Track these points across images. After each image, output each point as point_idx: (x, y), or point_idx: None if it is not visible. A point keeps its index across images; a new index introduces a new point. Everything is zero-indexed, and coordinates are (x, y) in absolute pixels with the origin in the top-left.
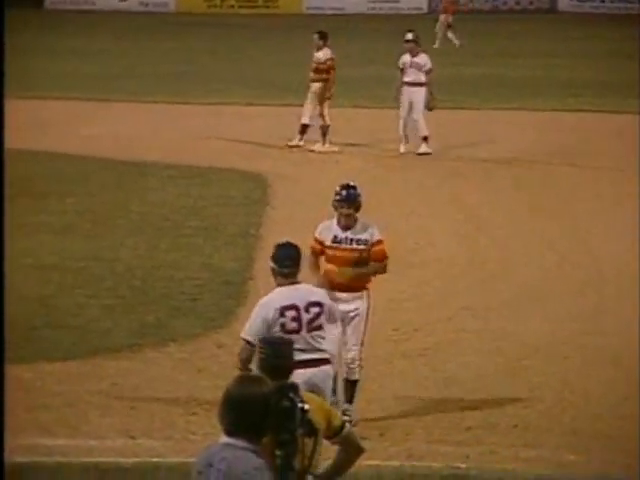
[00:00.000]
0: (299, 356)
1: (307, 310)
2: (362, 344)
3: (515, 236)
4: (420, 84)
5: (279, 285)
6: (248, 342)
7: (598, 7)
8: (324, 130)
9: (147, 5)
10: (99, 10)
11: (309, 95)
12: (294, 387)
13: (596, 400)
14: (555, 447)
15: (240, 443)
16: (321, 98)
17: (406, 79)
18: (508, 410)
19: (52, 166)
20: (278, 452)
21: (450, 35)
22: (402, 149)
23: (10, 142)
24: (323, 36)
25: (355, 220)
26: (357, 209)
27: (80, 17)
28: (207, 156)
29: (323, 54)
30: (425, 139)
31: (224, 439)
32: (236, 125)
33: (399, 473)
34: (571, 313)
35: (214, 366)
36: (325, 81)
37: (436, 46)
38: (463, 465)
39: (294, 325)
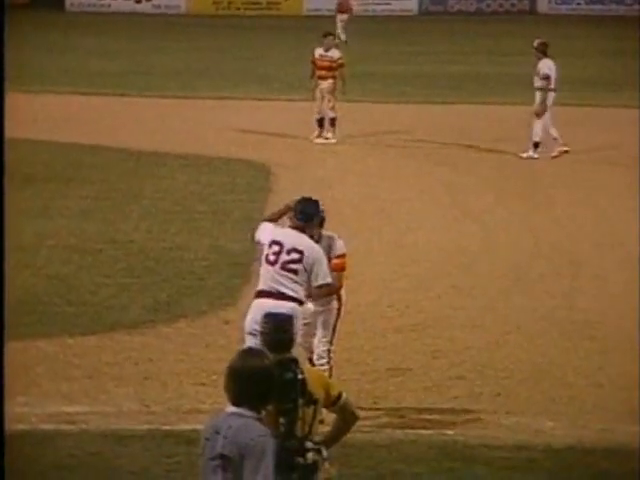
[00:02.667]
0: (263, 286)
1: (288, 252)
2: (331, 343)
3: (499, 220)
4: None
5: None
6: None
7: (575, 9)
8: (332, 122)
9: (160, 7)
10: (115, 12)
11: (320, 92)
12: (295, 360)
13: (572, 371)
14: (534, 414)
15: (245, 412)
16: (332, 93)
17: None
18: (491, 380)
19: (74, 155)
20: (281, 420)
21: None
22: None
23: (36, 134)
24: (335, 37)
25: (320, 236)
26: (320, 225)
27: (98, 18)
28: (215, 147)
29: (335, 54)
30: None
31: (230, 408)
32: (242, 118)
33: (391, 440)
34: (549, 291)
35: (221, 340)
36: (335, 78)
37: (344, 39)
38: (450, 432)
39: (272, 258)
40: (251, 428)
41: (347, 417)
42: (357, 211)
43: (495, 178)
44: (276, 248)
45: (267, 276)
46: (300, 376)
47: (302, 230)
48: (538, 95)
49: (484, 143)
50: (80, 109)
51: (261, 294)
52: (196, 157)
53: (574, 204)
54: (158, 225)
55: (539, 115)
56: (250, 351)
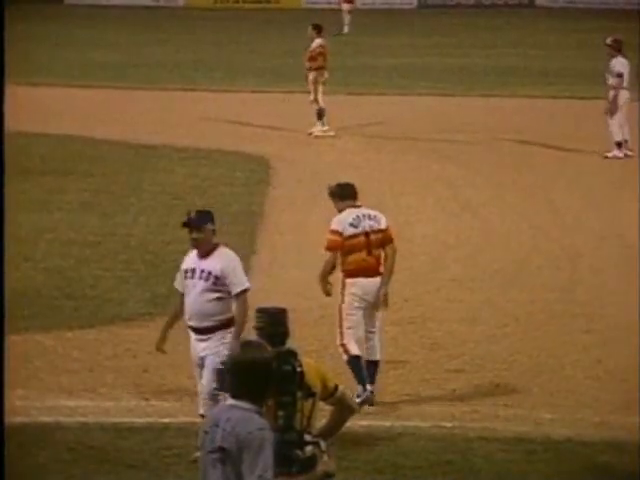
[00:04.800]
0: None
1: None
2: (340, 332)
3: (497, 213)
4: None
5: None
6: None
7: (573, 2)
8: (320, 113)
9: (158, 0)
10: (114, 5)
11: (309, 84)
12: (293, 353)
13: (571, 363)
14: (533, 407)
15: (244, 405)
16: (316, 84)
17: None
18: (489, 373)
19: (72, 148)
20: (280, 413)
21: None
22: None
23: (35, 126)
24: (316, 28)
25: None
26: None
27: (96, 11)
28: (213, 139)
29: (315, 44)
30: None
31: (229, 401)
32: (240, 111)
33: (390, 432)
34: (548, 284)
35: None
36: (318, 69)
37: (345, 31)
38: (449, 424)
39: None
40: (250, 421)
41: (343, 410)
42: None
43: (494, 171)
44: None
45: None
46: (298, 369)
47: (195, 240)
48: (611, 93)
49: (483, 135)
50: (79, 102)
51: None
52: (195, 150)
53: (573, 196)
54: (157, 218)
55: (612, 114)
56: (250, 343)
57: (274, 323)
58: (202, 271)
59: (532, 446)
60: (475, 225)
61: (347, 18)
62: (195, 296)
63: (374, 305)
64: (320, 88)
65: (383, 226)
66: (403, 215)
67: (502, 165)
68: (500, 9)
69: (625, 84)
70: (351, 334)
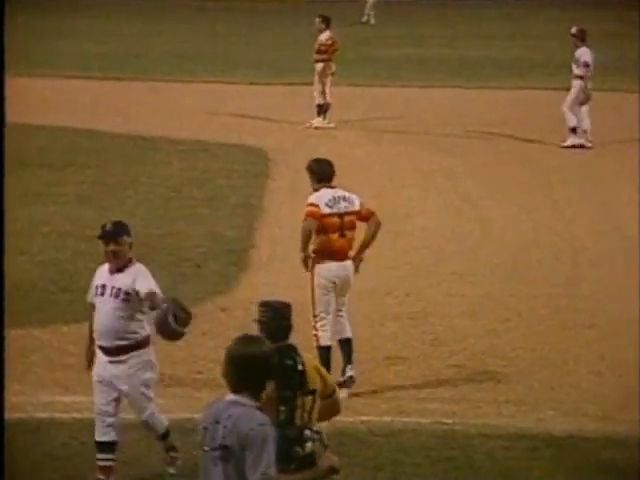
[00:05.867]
0: None
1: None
2: (316, 318)
3: (497, 206)
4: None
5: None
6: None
7: None
8: (325, 107)
9: None
10: None
11: (315, 76)
12: (294, 348)
13: (573, 359)
14: (534, 403)
15: (245, 400)
16: (323, 77)
17: None
18: (491, 369)
19: (69, 140)
20: (282, 408)
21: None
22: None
23: (31, 118)
24: (325, 20)
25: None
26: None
27: (95, 2)
28: (212, 131)
29: (324, 36)
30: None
31: (229, 396)
32: (239, 103)
33: (390, 429)
34: (550, 278)
35: (217, 328)
36: (326, 61)
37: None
38: (450, 420)
39: None
40: (251, 417)
41: (331, 411)
42: None
43: (494, 164)
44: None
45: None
46: (300, 365)
47: (114, 252)
48: (577, 83)
49: (482, 128)
50: (76, 93)
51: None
52: (193, 142)
53: (572, 189)
54: (154, 211)
55: (582, 103)
56: (249, 337)
57: (278, 317)
58: (113, 287)
59: (534, 442)
60: (476, 218)
61: (369, 7)
62: (105, 314)
63: (343, 288)
64: (328, 81)
65: (357, 207)
66: (404, 207)
67: (501, 157)
68: (496, 1)
69: (589, 74)
70: (323, 320)
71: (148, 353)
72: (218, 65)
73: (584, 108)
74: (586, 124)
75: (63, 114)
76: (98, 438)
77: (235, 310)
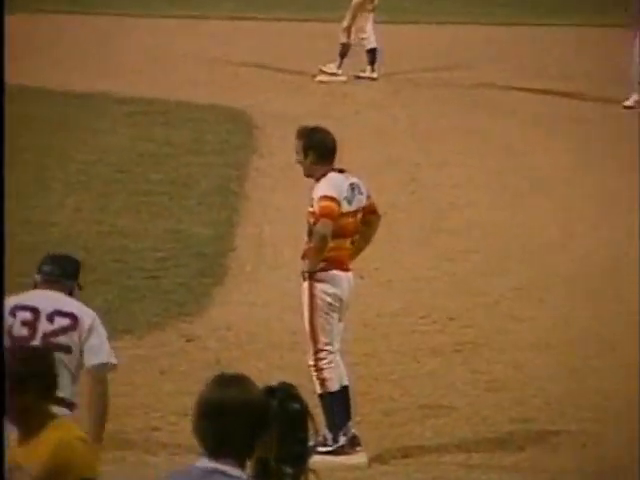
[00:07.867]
0: None
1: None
2: (317, 350)
3: (581, 195)
4: None
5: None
6: None
7: None
8: (344, 50)
9: None
10: None
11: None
12: (293, 386)
13: None
14: (635, 475)
15: (228, 469)
16: (359, 10)
17: None
18: (574, 425)
19: None
20: (288, 470)
21: None
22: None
23: None
24: None
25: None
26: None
27: None
28: (175, 86)
29: None
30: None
31: (204, 463)
32: (213, 44)
33: None
34: None
35: (182, 365)
36: None
37: None
38: None
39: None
40: None
41: None
42: (377, 182)
43: (573, 132)
44: (27, 316)
45: None
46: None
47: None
48: None
49: (549, 76)
50: None
51: None
52: (148, 102)
53: None
54: (92, 201)
55: None
56: (230, 377)
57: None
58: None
59: None
60: (550, 211)
61: None
62: None
63: (345, 309)
64: (369, 16)
65: (367, 200)
66: (444, 196)
67: (585, 123)
68: None
69: None
70: (330, 356)
71: None
72: None
73: None
74: None
75: None
76: None
77: (207, 340)
